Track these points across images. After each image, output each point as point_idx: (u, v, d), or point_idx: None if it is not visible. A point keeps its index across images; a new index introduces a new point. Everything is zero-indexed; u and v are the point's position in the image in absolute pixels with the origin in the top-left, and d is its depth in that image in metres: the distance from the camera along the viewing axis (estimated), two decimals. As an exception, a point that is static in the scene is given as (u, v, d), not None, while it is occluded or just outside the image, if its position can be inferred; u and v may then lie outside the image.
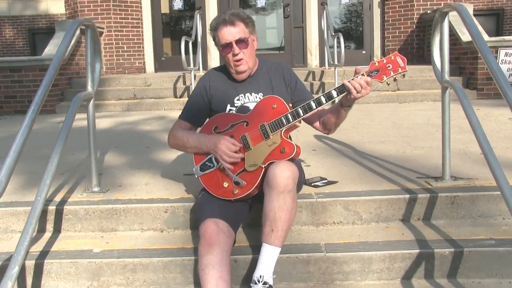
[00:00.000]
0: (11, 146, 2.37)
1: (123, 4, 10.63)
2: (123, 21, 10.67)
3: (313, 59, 11.07)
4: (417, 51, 10.51)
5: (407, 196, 3.16)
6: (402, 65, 2.70)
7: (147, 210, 3.18)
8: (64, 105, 8.30)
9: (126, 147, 5.12)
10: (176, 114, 3.45)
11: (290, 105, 2.84)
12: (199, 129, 3.05)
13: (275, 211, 2.56)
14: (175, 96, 8.60)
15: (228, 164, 2.75)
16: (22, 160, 4.46)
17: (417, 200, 3.15)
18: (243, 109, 2.95)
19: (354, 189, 3.33)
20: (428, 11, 10.09)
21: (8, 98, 8.31)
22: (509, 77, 8.00)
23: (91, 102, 3.41)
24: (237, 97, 3.00)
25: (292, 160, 2.72)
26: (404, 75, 2.72)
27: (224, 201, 2.78)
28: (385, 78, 2.70)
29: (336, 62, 8.31)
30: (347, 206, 3.15)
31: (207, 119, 3.06)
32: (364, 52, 11.21)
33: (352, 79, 2.68)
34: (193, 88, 6.61)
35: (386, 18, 10.86)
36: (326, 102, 2.74)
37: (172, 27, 11.90)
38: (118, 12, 10.57)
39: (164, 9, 11.46)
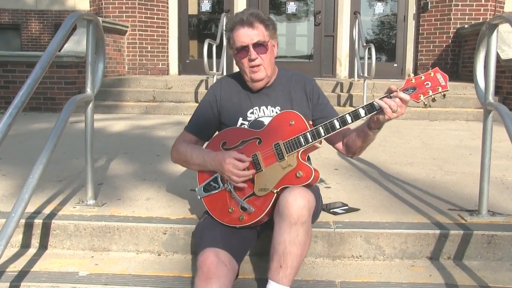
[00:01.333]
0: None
1: (149, 3, 10.37)
2: (148, 20, 10.41)
3: (342, 70, 10.73)
4: (451, 66, 10.07)
5: (438, 231, 2.80)
6: (443, 83, 2.29)
7: (144, 230, 2.86)
8: (80, 104, 8.00)
9: (135, 154, 4.82)
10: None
11: (311, 122, 2.48)
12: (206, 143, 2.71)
13: (285, 244, 2.22)
14: (196, 101, 8.26)
15: (239, 184, 2.41)
16: (20, 164, 4.24)
17: (449, 236, 2.78)
18: (256, 124, 2.60)
19: (378, 219, 2.97)
20: (466, 26, 9.67)
21: (24, 94, 7.98)
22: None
23: (90, 105, 3.09)
24: (251, 110, 2.65)
25: (308, 186, 2.36)
26: (444, 95, 2.32)
27: (228, 227, 2.44)
28: (422, 97, 2.31)
29: (366, 74, 7.95)
30: (369, 238, 2.80)
31: (216, 133, 2.72)
32: (395, 65, 10.82)
33: (384, 97, 2.31)
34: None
35: (420, 31, 10.45)
36: (352, 121, 2.38)
37: (200, 29, 11.59)
38: (143, 11, 10.31)
39: (192, 10, 11.16)
